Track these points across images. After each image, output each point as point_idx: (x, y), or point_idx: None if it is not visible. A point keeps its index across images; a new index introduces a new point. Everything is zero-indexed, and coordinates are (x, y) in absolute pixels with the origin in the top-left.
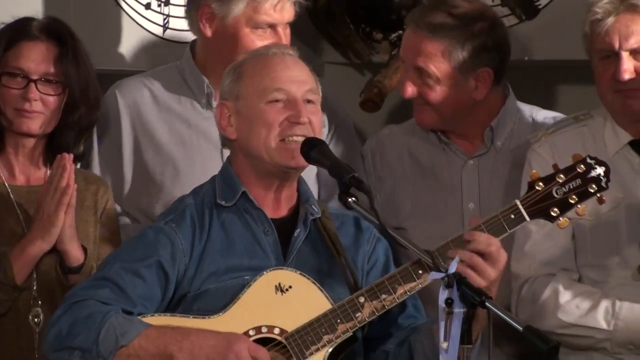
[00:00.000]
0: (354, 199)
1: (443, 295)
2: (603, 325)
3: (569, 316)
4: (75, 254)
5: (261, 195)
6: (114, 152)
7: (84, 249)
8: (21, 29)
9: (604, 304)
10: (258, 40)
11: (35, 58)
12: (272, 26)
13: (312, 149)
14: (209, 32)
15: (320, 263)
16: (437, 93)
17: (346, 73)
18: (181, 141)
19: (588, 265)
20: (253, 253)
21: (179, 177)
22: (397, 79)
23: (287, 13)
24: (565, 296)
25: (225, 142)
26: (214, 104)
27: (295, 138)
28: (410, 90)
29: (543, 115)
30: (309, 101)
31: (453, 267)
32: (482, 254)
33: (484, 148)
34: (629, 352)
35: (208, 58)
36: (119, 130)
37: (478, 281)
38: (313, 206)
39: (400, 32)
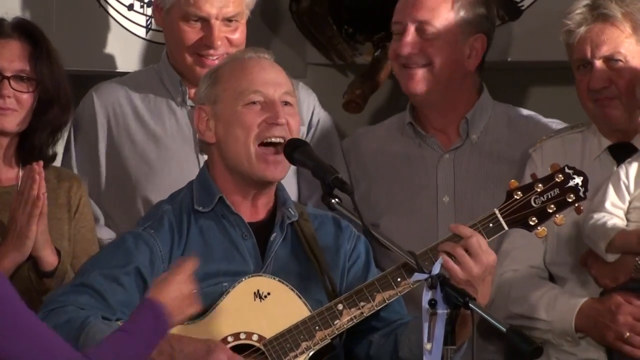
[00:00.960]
0: (337, 200)
1: (426, 296)
2: (543, 316)
3: (517, 308)
4: (48, 259)
5: (238, 201)
6: (89, 152)
7: (58, 252)
8: None
9: (548, 296)
10: (189, 32)
11: (9, 56)
12: (205, 20)
13: (295, 150)
14: (160, 24)
15: (299, 267)
16: (436, 48)
17: (329, 74)
18: (157, 141)
19: (553, 263)
20: (231, 258)
21: (154, 176)
22: (382, 79)
23: (224, 9)
24: (517, 290)
25: (203, 146)
26: (189, 101)
27: (273, 139)
28: (409, 46)
29: (517, 113)
30: (286, 103)
31: (437, 269)
32: (465, 249)
33: (460, 141)
34: (567, 343)
35: (175, 57)
36: (94, 130)
37: (458, 273)
38: (290, 209)
39: (384, 33)
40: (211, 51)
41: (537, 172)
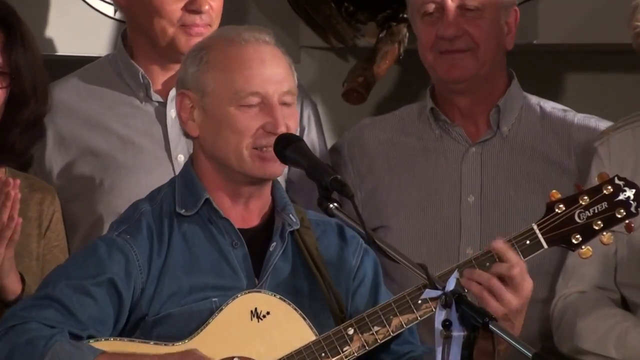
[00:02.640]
0: (335, 205)
1: (440, 316)
2: (613, 353)
3: (584, 343)
4: (12, 287)
5: (227, 203)
6: (40, 160)
7: (22, 278)
8: None
9: (617, 331)
10: (170, 1)
11: None
12: None
13: (287, 147)
14: (122, 1)
15: (300, 283)
16: (481, 27)
17: (326, 59)
18: (120, 143)
19: (625, 285)
20: (220, 270)
21: (119, 184)
22: (387, 65)
23: None
24: (583, 320)
25: (187, 135)
26: (154, 95)
27: (270, 149)
28: (453, 27)
29: (550, 105)
30: (284, 103)
31: (451, 284)
32: (502, 278)
33: (490, 133)
34: None
35: (134, 39)
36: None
37: (495, 308)
38: (291, 215)
39: (389, 11)
40: (197, 18)
41: (605, 169)
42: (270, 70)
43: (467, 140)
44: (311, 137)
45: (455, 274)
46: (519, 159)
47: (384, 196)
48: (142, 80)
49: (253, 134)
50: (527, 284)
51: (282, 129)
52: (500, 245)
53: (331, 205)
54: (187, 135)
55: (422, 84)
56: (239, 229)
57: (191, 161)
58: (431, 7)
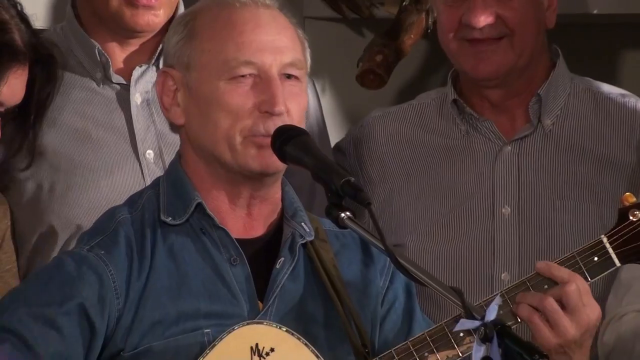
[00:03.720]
0: (348, 214)
1: (478, 352)
2: None
3: None
4: None
5: (225, 209)
6: None
7: None
8: None
9: None
10: None
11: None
12: None
13: (287, 142)
14: None
15: (313, 309)
16: (517, 10)
17: (336, 33)
18: (74, 138)
19: None
20: (215, 293)
21: (74, 189)
22: (412, 41)
23: None
24: None
25: (173, 125)
26: (114, 76)
27: (268, 139)
28: (484, 13)
29: (607, 90)
30: (289, 76)
31: (492, 313)
32: (558, 300)
33: (529, 128)
34: None
35: (83, 9)
36: None
37: (548, 337)
38: (303, 224)
39: None
40: None
41: None
42: (268, 37)
43: (500, 138)
44: (309, 124)
45: (497, 301)
46: (566, 159)
47: (398, 208)
48: (99, 58)
49: (247, 115)
50: (590, 311)
51: (279, 107)
52: (545, 265)
53: (342, 215)
54: (173, 127)
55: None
56: (239, 240)
57: (179, 157)
58: None
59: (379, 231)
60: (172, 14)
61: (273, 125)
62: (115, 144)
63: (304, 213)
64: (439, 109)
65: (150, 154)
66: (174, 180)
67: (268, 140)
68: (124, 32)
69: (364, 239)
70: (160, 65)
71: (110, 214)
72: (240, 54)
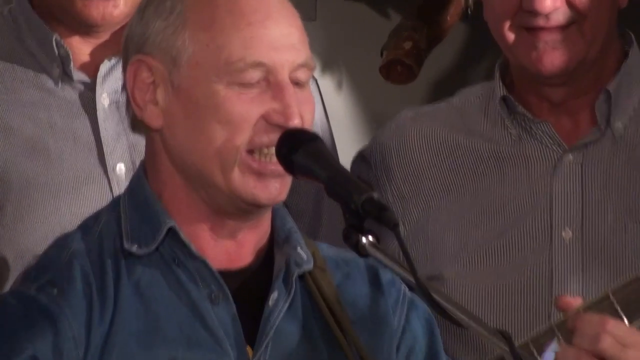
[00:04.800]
0: (371, 238)
1: None
2: None
3: None
4: None
5: (204, 234)
6: None
7: None
8: None
9: None
10: None
11: None
12: None
13: (296, 150)
14: None
15: (315, 354)
16: None
17: (354, 13)
18: (27, 149)
19: None
20: (194, 338)
21: (29, 211)
22: (449, 24)
23: None
24: None
25: (137, 126)
26: (76, 73)
27: (272, 153)
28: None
29: None
30: (297, 83)
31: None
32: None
33: (595, 132)
34: None
35: None
36: None
37: None
38: (299, 249)
39: None
40: None
41: None
42: (280, 30)
43: (559, 144)
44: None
45: (554, 348)
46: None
47: (435, 231)
48: (56, 50)
49: (250, 127)
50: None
51: (295, 121)
52: (566, 299)
53: (364, 240)
54: (136, 126)
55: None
56: (221, 272)
57: (144, 170)
58: None
59: (408, 260)
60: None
61: None
62: (78, 156)
63: (298, 235)
64: (484, 109)
65: (121, 168)
66: (138, 199)
67: (272, 164)
68: (78, 25)
69: (387, 267)
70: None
71: (61, 244)
72: (248, 53)
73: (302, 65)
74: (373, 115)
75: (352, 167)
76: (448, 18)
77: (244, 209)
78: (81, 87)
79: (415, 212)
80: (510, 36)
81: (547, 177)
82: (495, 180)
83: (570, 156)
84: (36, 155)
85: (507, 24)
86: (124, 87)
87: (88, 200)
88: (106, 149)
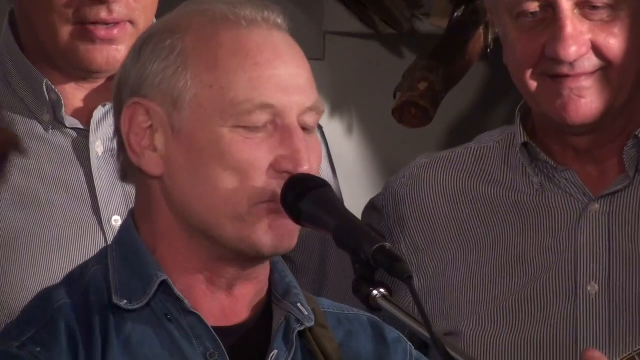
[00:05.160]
0: (383, 291)
1: None
2: None
3: None
4: None
5: (199, 287)
6: None
7: None
8: None
9: None
10: None
11: None
12: None
13: (302, 198)
14: None
15: None
16: (617, 36)
17: (365, 52)
18: (15, 200)
19: None
20: None
21: (16, 267)
22: (467, 63)
23: None
24: None
25: (130, 173)
26: (68, 119)
27: (277, 201)
28: (577, 46)
29: None
30: (305, 128)
31: None
32: None
33: (623, 180)
34: None
35: (29, 33)
36: None
37: None
38: (300, 305)
39: None
40: (103, 10)
41: None
42: (289, 71)
43: (585, 193)
44: None
45: None
46: None
47: (452, 285)
48: (47, 95)
49: (260, 175)
50: None
51: (304, 167)
52: (594, 354)
53: (375, 292)
54: (127, 174)
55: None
56: (216, 328)
57: (132, 218)
58: (533, 5)
59: (423, 314)
60: None
61: None
62: (70, 208)
63: (298, 290)
64: (504, 155)
65: (117, 220)
66: (128, 250)
67: (286, 220)
68: (77, 72)
69: (399, 322)
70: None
71: (45, 299)
72: (255, 94)
73: (311, 109)
74: (385, 161)
75: (362, 218)
76: (466, 57)
77: (246, 259)
78: (73, 133)
79: (431, 265)
80: (533, 84)
81: (572, 228)
82: (515, 232)
83: (597, 205)
84: (25, 206)
85: (529, 72)
86: (115, 133)
87: (81, 254)
88: (101, 200)
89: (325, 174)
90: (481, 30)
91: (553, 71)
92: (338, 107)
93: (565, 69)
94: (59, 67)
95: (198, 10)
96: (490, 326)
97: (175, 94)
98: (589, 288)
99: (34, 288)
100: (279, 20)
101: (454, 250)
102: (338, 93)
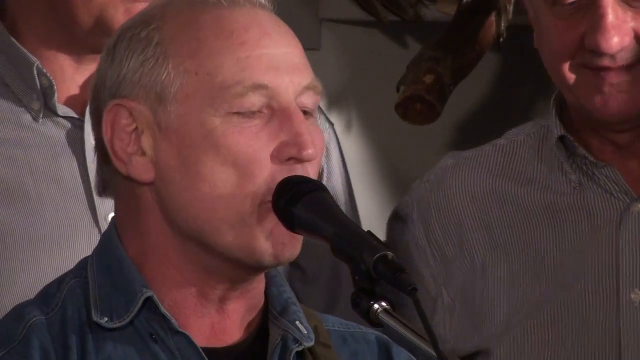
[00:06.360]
0: (384, 304)
1: None
2: None
3: None
4: None
5: (188, 303)
6: None
7: None
8: None
9: None
10: None
11: None
12: None
13: (295, 202)
14: None
15: None
16: None
17: (366, 42)
18: (5, 196)
19: None
20: None
21: (3, 269)
22: (477, 54)
23: None
24: None
25: (113, 184)
26: (60, 108)
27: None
28: (619, 36)
29: None
30: (305, 110)
31: None
32: None
33: None
34: None
35: (21, 9)
36: None
37: None
38: (298, 323)
39: None
40: None
41: None
42: (279, 49)
43: (627, 191)
44: (332, 188)
45: None
46: None
47: (483, 296)
48: (37, 81)
49: (263, 169)
50: None
51: (310, 150)
52: None
53: (376, 306)
54: (108, 187)
55: (543, 88)
56: (206, 349)
57: (114, 228)
58: None
59: (428, 329)
60: None
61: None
62: (63, 203)
63: (297, 307)
64: (538, 150)
65: (112, 217)
66: (110, 262)
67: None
68: (97, 40)
69: (402, 338)
70: None
71: (17, 315)
72: (246, 75)
73: (308, 88)
74: (387, 162)
75: (387, 228)
76: (476, 47)
77: (244, 270)
78: (67, 123)
79: (459, 275)
80: (571, 77)
81: (612, 230)
82: (550, 235)
83: (639, 205)
84: (13, 201)
85: (567, 64)
86: (97, 144)
87: (74, 253)
88: (96, 195)
89: (338, 176)
90: (493, 17)
91: (593, 63)
92: (336, 101)
93: (606, 61)
94: (57, 46)
95: None
96: (525, 340)
97: (158, 88)
98: (632, 296)
99: (22, 289)
100: (263, 0)
101: (482, 256)
102: (336, 86)
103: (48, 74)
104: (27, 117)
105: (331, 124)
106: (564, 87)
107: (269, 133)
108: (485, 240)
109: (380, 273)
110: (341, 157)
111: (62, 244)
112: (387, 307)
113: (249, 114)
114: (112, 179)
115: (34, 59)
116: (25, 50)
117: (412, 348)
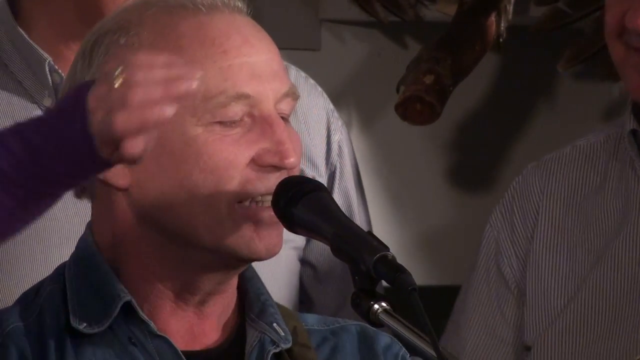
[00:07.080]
0: (384, 305)
1: None
2: None
3: None
4: None
5: (167, 306)
6: None
7: None
8: None
9: None
10: None
11: None
12: None
13: (295, 202)
14: None
15: None
16: None
17: (366, 42)
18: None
19: None
20: None
21: (12, 265)
22: (478, 55)
23: None
24: None
25: (89, 187)
26: None
27: (268, 203)
28: None
29: None
30: (283, 116)
31: None
32: None
33: None
34: None
35: (43, 6)
36: None
37: None
38: (275, 325)
39: None
40: None
41: None
42: (260, 57)
43: None
44: (344, 187)
45: None
46: None
47: (558, 302)
48: (49, 78)
49: (239, 172)
50: None
51: (291, 159)
52: None
53: (376, 307)
54: (85, 189)
55: (543, 88)
56: (185, 352)
57: (91, 232)
58: None
59: (428, 329)
60: None
61: (276, 182)
62: (71, 199)
63: (275, 309)
64: (614, 148)
65: None
66: (87, 268)
67: (270, 212)
68: None
69: (404, 340)
70: None
71: None
72: (228, 85)
73: (287, 95)
74: (387, 161)
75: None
76: (477, 47)
77: (229, 265)
78: None
79: (533, 274)
80: (620, 53)
81: None
82: (622, 236)
83: None
84: None
85: (617, 42)
86: None
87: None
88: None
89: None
90: (493, 17)
91: (634, 44)
92: (335, 102)
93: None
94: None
95: (149, 1)
96: (595, 336)
97: None
98: None
99: (30, 281)
100: (239, 4)
101: (556, 258)
102: (335, 87)
103: (60, 71)
104: (39, 114)
105: (343, 123)
106: (617, 67)
107: (249, 140)
108: (559, 241)
109: (379, 273)
110: (353, 157)
111: (70, 241)
112: (387, 307)
113: (231, 123)
114: (89, 181)
115: (46, 55)
116: (37, 47)
117: (412, 348)
